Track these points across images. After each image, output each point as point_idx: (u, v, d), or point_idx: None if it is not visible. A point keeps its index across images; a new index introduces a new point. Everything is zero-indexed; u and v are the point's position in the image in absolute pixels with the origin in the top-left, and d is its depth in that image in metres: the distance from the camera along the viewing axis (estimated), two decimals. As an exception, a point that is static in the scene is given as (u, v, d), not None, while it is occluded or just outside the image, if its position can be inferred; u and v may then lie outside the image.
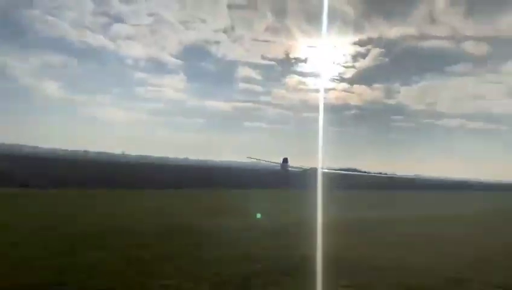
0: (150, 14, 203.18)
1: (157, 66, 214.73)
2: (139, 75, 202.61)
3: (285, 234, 11.12)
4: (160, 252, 8.01)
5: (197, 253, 8.11)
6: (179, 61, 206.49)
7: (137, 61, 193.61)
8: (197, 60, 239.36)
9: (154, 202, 19.04)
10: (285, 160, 60.79)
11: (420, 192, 44.86)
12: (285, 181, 42.20)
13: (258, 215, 14.71)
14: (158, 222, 12.17)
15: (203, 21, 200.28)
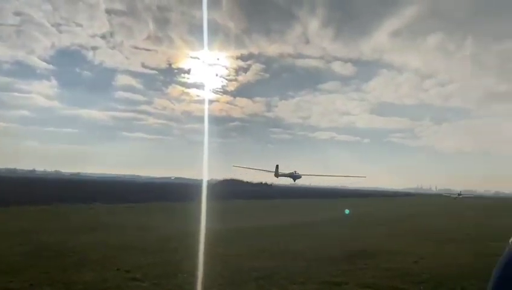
0: (17, 13, 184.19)
1: (25, 70, 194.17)
2: (3, 79, 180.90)
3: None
4: None
5: None
6: (50, 66, 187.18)
7: (1, 64, 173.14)
8: (70, 66, 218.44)
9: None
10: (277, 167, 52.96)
11: (290, 200, 45.22)
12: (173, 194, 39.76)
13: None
14: None
15: (79, 25, 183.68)
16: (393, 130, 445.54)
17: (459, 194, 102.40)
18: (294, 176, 48.79)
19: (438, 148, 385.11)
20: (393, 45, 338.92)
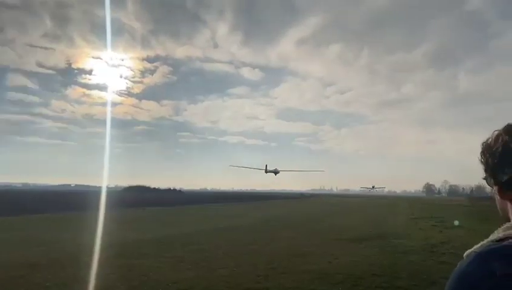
0: None
1: None
2: None
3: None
4: None
5: None
6: None
7: None
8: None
9: None
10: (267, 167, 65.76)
11: (204, 205, 44.63)
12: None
13: None
14: None
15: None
16: (298, 134, 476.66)
17: (373, 187, 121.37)
18: (275, 171, 65.33)
19: (338, 151, 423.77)
20: (299, 53, 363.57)
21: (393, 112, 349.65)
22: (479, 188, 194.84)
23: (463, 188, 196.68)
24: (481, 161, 0.97)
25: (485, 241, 0.88)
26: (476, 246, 0.87)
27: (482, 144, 0.97)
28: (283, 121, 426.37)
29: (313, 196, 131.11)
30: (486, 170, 0.96)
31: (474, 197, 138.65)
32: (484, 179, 0.98)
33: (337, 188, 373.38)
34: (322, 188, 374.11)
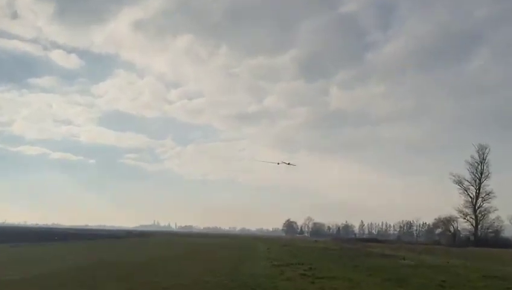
0: None
1: None
2: None
3: None
4: None
5: None
6: None
7: None
8: None
9: None
10: None
11: None
12: None
13: None
14: None
15: None
16: (129, 149, 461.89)
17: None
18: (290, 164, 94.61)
19: (182, 174, 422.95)
20: (136, 39, 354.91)
21: (253, 128, 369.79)
22: (347, 227, 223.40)
23: (329, 227, 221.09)
24: None
25: None
26: None
27: None
28: (108, 130, 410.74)
29: (142, 234, 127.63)
30: None
31: (341, 238, 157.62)
32: None
33: (176, 225, 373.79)
34: (156, 223, 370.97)
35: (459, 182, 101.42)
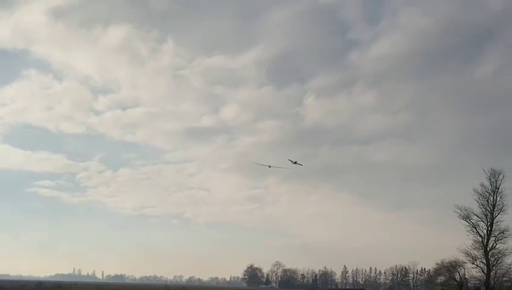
0: None
1: None
2: None
3: None
4: None
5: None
6: None
7: None
8: None
9: None
10: None
11: None
12: None
13: None
14: None
15: None
16: (41, 175, 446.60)
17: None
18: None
19: (111, 207, 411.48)
20: (53, 31, 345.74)
21: (206, 148, 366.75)
22: (326, 275, 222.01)
23: (303, 275, 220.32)
24: None
25: None
26: None
27: None
28: (14, 149, 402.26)
29: (58, 287, 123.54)
30: None
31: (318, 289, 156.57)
32: None
33: (103, 274, 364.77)
34: (76, 272, 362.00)
35: (467, 217, 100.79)
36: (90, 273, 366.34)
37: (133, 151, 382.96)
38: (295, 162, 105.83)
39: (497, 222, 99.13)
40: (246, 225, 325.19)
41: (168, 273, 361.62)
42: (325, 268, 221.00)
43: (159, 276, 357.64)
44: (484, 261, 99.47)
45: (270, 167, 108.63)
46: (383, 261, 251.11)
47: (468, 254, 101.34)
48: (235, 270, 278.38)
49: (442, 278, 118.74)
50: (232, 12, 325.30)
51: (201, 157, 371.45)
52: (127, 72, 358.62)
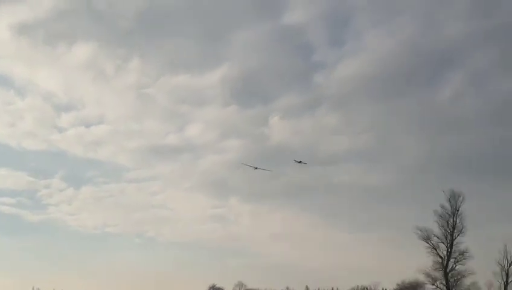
0: None
1: None
2: None
3: None
4: None
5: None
6: None
7: None
8: None
9: None
10: None
11: None
12: None
13: None
14: None
15: None
16: (2, 192, 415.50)
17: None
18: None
19: (73, 225, 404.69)
20: (17, 47, 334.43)
21: (170, 166, 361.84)
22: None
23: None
24: None
25: None
26: None
27: None
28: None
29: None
30: None
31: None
32: None
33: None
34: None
35: (427, 238, 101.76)
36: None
37: (96, 169, 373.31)
38: (300, 162, 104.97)
39: (456, 243, 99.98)
40: (208, 245, 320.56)
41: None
42: (287, 288, 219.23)
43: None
44: (444, 282, 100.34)
45: (256, 168, 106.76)
46: (345, 281, 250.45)
47: (428, 275, 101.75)
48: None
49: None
50: (199, 32, 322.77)
51: (165, 175, 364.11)
52: (91, 89, 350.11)
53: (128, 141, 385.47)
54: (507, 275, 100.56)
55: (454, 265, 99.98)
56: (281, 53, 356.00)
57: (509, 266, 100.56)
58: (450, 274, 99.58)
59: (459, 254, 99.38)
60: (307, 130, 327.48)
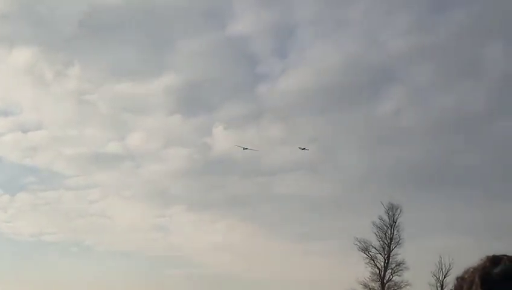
0: None
1: None
2: None
3: None
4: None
5: None
6: None
7: None
8: None
9: None
10: None
11: None
12: None
13: None
14: None
15: None
16: None
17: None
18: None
19: (7, 232, 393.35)
20: None
21: (110, 174, 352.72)
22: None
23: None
24: None
25: None
26: None
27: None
28: None
29: None
30: None
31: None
32: None
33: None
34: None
35: (366, 249, 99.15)
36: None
37: (32, 175, 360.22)
38: (303, 148, 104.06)
39: (393, 254, 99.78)
40: (148, 254, 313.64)
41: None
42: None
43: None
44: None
45: (245, 149, 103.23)
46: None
47: (366, 286, 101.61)
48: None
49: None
50: (143, 40, 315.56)
51: (105, 184, 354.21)
52: (29, 94, 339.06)
53: (67, 148, 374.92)
54: (441, 286, 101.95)
55: (391, 276, 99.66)
56: (226, 63, 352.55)
57: (444, 277, 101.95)
58: (387, 285, 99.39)
59: (396, 265, 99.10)
60: (251, 141, 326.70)
